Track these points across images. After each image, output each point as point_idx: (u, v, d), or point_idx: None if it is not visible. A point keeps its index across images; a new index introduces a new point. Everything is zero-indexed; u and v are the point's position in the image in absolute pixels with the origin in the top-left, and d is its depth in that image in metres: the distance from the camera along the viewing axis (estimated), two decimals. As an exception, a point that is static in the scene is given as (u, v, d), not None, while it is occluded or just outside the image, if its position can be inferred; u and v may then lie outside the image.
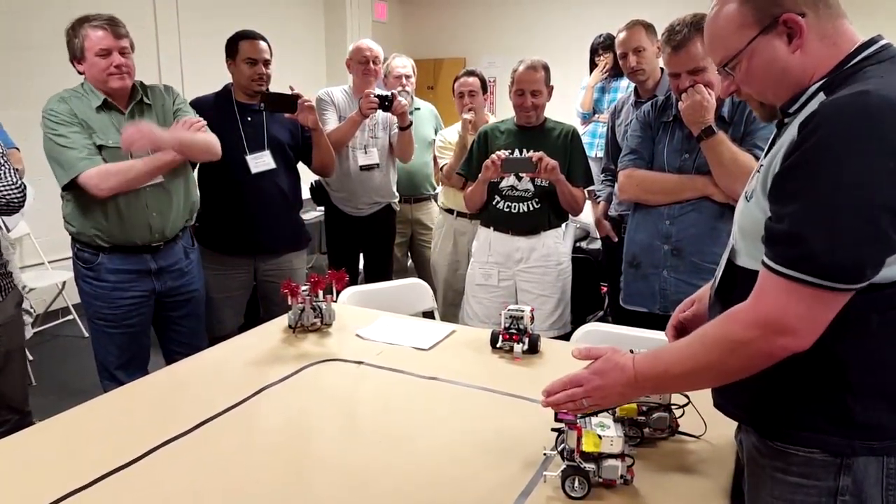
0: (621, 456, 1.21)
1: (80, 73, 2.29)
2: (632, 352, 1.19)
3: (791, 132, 1.00)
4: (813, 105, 1.00)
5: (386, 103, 3.08)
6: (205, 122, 2.44)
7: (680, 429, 1.39)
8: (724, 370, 1.06)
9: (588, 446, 1.19)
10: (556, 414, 1.24)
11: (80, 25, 2.22)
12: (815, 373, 1.03)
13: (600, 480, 1.21)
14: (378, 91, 3.14)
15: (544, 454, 1.31)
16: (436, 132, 3.74)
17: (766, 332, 0.99)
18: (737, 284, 1.11)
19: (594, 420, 1.25)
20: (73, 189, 2.24)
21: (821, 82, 1.03)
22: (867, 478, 1.02)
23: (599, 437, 1.20)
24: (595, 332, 2.10)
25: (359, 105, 3.13)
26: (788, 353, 0.99)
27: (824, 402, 1.03)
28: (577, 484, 1.20)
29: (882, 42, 1.05)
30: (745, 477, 1.20)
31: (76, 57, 2.25)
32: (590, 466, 1.20)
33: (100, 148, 2.23)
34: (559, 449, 1.26)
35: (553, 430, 1.28)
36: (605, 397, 1.18)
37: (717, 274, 1.20)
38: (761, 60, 1.07)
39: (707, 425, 1.38)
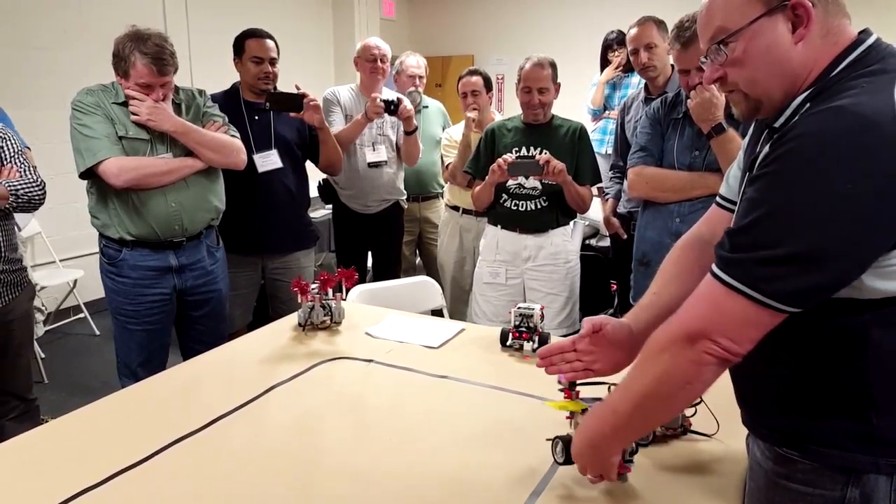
0: None
1: (121, 84, 2.32)
2: None
3: (767, 148, 0.96)
4: (791, 122, 0.96)
5: (392, 107, 3.09)
6: (231, 128, 2.49)
7: (692, 427, 1.39)
8: (665, 393, 1.02)
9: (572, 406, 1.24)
10: (573, 385, 1.28)
11: (132, 47, 2.21)
12: (839, 389, 0.99)
13: None
14: (384, 96, 3.16)
15: (547, 439, 1.29)
16: (444, 130, 3.74)
17: (688, 343, 0.96)
18: None
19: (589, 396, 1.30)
20: (93, 178, 2.27)
21: (807, 92, 0.97)
22: (877, 491, 0.98)
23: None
24: (605, 331, 2.09)
25: (365, 108, 3.14)
26: (714, 361, 0.95)
27: (848, 418, 0.98)
28: (558, 449, 1.23)
29: (869, 42, 0.98)
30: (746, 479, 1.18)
31: (118, 73, 2.28)
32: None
33: (120, 138, 2.26)
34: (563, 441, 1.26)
35: (568, 417, 1.30)
36: (591, 463, 1.15)
37: None
38: (761, 44, 0.98)
39: (719, 424, 1.37)
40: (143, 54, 2.21)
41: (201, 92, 2.53)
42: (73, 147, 2.25)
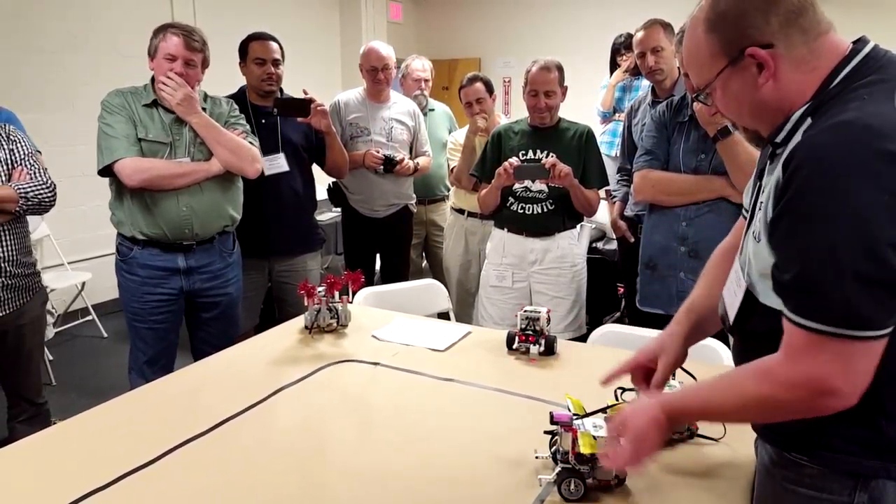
0: None
1: (151, 69, 2.37)
2: None
3: (777, 171, 0.96)
4: (798, 136, 0.95)
5: (391, 165, 3.26)
6: (252, 137, 2.52)
7: (699, 431, 1.39)
8: (766, 420, 1.05)
9: (585, 448, 1.19)
10: (551, 416, 1.24)
11: (165, 29, 2.32)
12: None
13: (594, 481, 1.21)
14: (386, 152, 3.27)
15: (536, 456, 1.30)
16: (450, 133, 3.74)
17: (812, 394, 0.94)
18: (757, 316, 1.06)
19: (588, 422, 1.25)
20: (110, 176, 2.31)
21: (805, 107, 0.98)
22: (885, 496, 0.98)
23: (594, 437, 1.20)
24: (611, 334, 2.09)
25: (363, 158, 3.26)
26: (835, 411, 0.94)
27: (858, 425, 0.98)
28: (573, 486, 1.20)
29: (866, 50, 0.98)
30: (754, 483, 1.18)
31: (150, 54, 2.35)
32: (584, 468, 1.20)
33: (140, 140, 2.29)
34: (552, 451, 1.26)
35: (546, 432, 1.28)
36: (644, 441, 1.11)
37: (727, 308, 1.14)
38: (731, 92, 1.04)
39: (726, 429, 1.37)
40: (174, 28, 2.30)
41: (228, 100, 2.57)
42: (97, 144, 2.31)
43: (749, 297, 1.08)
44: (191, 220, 2.36)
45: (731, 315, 1.11)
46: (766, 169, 1.07)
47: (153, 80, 2.37)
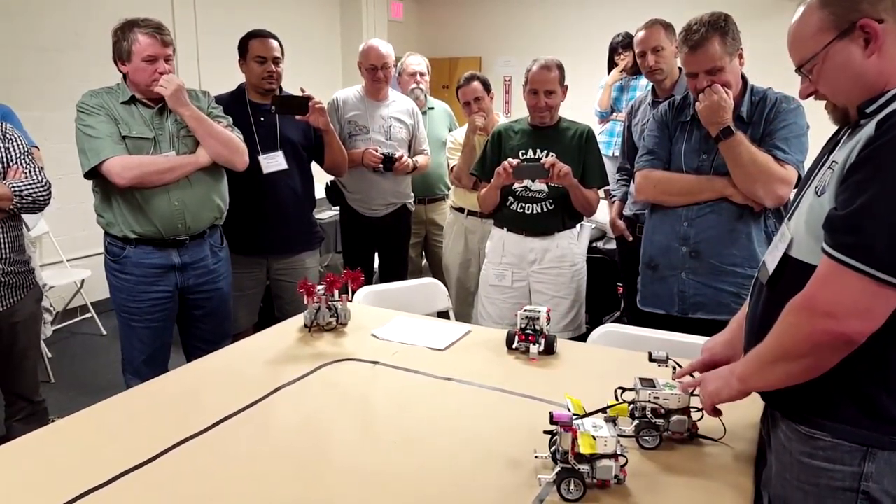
0: (614, 456, 1.21)
1: (122, 73, 2.34)
2: None
3: (868, 129, 1.03)
4: (893, 106, 1.03)
5: (389, 163, 3.24)
6: (236, 130, 2.51)
7: (699, 432, 1.38)
8: (792, 357, 1.08)
9: (584, 448, 1.19)
10: (550, 415, 1.24)
11: (129, 29, 2.27)
12: (857, 367, 1.05)
13: (594, 481, 1.21)
14: (385, 150, 3.25)
15: (535, 456, 1.30)
16: (450, 132, 3.73)
17: (812, 315, 1.02)
18: (787, 275, 1.14)
19: (587, 422, 1.25)
20: (97, 178, 2.29)
21: None
22: (891, 466, 1.04)
23: (594, 437, 1.20)
24: (612, 334, 2.09)
25: (362, 157, 3.24)
26: (834, 337, 1.01)
27: (861, 396, 1.06)
28: (572, 486, 1.20)
29: None
30: (771, 463, 1.23)
31: (121, 58, 2.30)
32: (584, 468, 1.20)
33: (123, 138, 2.28)
34: (551, 451, 1.26)
35: (545, 432, 1.27)
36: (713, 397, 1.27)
37: (768, 266, 1.21)
38: (835, 64, 1.11)
39: (726, 429, 1.37)
40: (143, 27, 2.26)
41: (205, 93, 2.54)
42: (78, 148, 2.27)
43: (785, 255, 1.16)
44: (183, 214, 2.35)
45: (770, 268, 1.19)
46: (838, 144, 1.14)
47: (125, 77, 2.34)
